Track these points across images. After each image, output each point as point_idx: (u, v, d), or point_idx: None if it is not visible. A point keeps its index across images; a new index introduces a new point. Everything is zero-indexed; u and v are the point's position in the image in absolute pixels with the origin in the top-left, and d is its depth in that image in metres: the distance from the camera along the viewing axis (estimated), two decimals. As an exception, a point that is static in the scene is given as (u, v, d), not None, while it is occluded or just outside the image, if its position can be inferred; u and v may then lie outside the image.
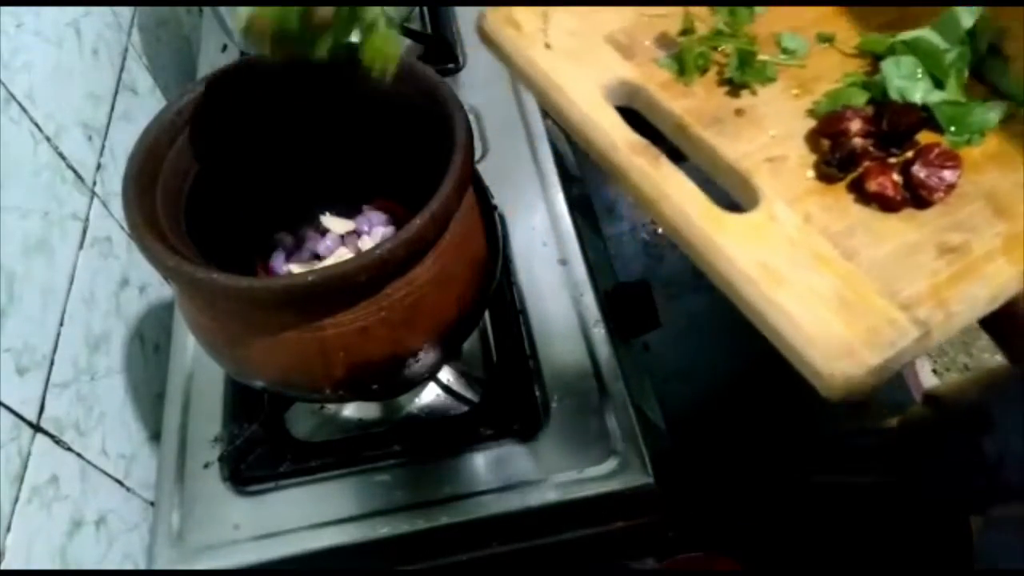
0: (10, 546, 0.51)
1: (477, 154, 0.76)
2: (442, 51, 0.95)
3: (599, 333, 0.70)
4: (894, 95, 0.41)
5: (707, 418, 1.02)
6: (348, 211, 0.68)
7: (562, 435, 0.64)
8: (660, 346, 1.12)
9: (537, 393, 0.67)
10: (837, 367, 0.32)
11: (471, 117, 0.52)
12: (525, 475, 0.62)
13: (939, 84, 0.41)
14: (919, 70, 0.42)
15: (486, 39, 0.49)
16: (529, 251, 0.77)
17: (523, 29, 0.48)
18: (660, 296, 0.77)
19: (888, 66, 0.42)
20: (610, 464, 0.62)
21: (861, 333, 0.33)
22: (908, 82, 0.41)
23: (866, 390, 0.33)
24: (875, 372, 0.33)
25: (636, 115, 0.45)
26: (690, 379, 1.10)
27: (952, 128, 0.40)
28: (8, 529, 0.52)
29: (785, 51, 0.45)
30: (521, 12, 0.48)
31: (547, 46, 0.47)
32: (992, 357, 1.23)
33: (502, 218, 0.78)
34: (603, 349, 0.69)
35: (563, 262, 0.75)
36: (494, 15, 0.48)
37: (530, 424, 0.65)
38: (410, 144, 0.57)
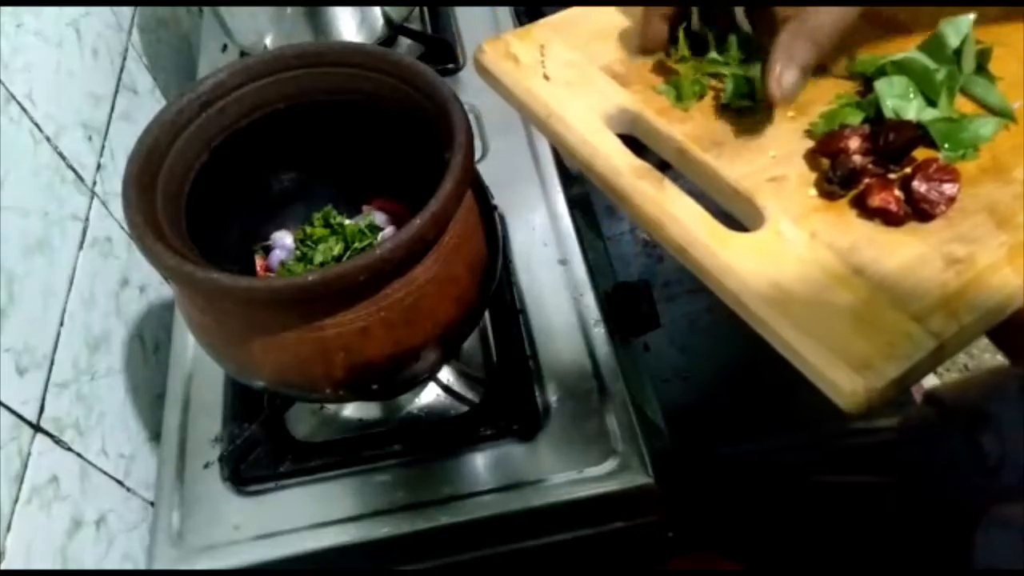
0: (10, 546, 0.51)
1: (477, 154, 0.76)
2: (442, 51, 0.95)
3: (599, 333, 0.70)
4: (889, 114, 0.42)
5: (707, 418, 1.02)
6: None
7: (562, 435, 0.64)
8: (660, 346, 1.12)
9: (537, 393, 0.67)
10: (858, 382, 0.32)
11: (471, 117, 0.52)
12: (525, 475, 0.62)
13: (931, 102, 0.42)
14: (911, 89, 0.42)
15: (484, 73, 0.49)
16: (529, 251, 0.77)
17: (521, 62, 0.48)
18: (660, 296, 0.77)
19: (881, 86, 0.43)
20: (610, 464, 0.62)
21: (879, 346, 0.33)
22: (901, 101, 0.42)
23: (886, 403, 0.33)
24: (895, 384, 0.32)
25: (633, 143, 0.45)
26: (690, 379, 1.10)
27: (946, 144, 0.41)
28: (8, 529, 0.52)
29: None
30: (518, 45, 0.49)
31: (545, 77, 0.47)
32: (992, 357, 1.23)
33: (502, 218, 0.78)
34: (603, 349, 0.69)
35: (563, 262, 0.75)
36: (492, 49, 0.49)
37: (530, 424, 0.65)
38: (410, 144, 0.57)
